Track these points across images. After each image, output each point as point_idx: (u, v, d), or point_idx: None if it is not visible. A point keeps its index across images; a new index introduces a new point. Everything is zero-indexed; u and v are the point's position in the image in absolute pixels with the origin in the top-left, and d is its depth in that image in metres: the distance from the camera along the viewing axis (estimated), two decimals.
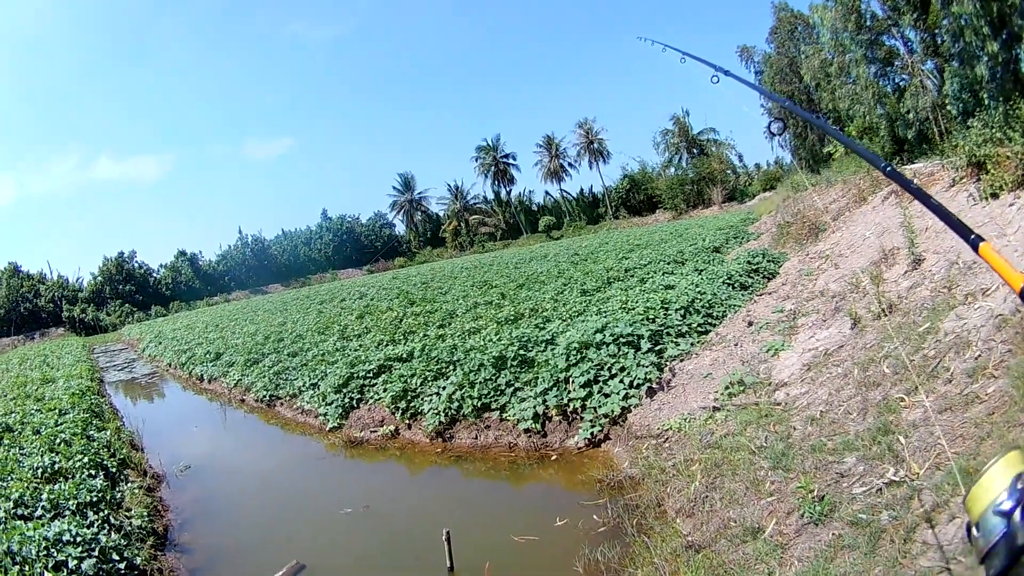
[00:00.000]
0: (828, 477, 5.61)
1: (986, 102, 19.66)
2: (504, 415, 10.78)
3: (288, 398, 15.90)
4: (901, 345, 7.13)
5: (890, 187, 16.02)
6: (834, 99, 31.45)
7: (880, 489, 5.01)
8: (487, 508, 9.05)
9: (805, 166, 45.85)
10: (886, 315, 8.37)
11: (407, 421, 12.03)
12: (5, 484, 8.81)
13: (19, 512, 7.94)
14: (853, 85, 29.01)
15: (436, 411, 11.38)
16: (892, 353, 7.14)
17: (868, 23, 27.42)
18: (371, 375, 13.95)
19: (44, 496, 8.24)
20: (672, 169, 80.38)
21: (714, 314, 13.08)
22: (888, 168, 2.07)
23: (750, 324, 11.60)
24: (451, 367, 12.56)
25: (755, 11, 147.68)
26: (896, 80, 28.59)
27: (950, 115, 23.84)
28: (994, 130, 11.27)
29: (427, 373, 12.54)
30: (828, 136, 41.17)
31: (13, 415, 14.49)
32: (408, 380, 12.57)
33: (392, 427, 12.15)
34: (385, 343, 17.18)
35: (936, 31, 23.29)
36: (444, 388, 11.82)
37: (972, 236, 1.58)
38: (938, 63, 25.31)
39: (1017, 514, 1.15)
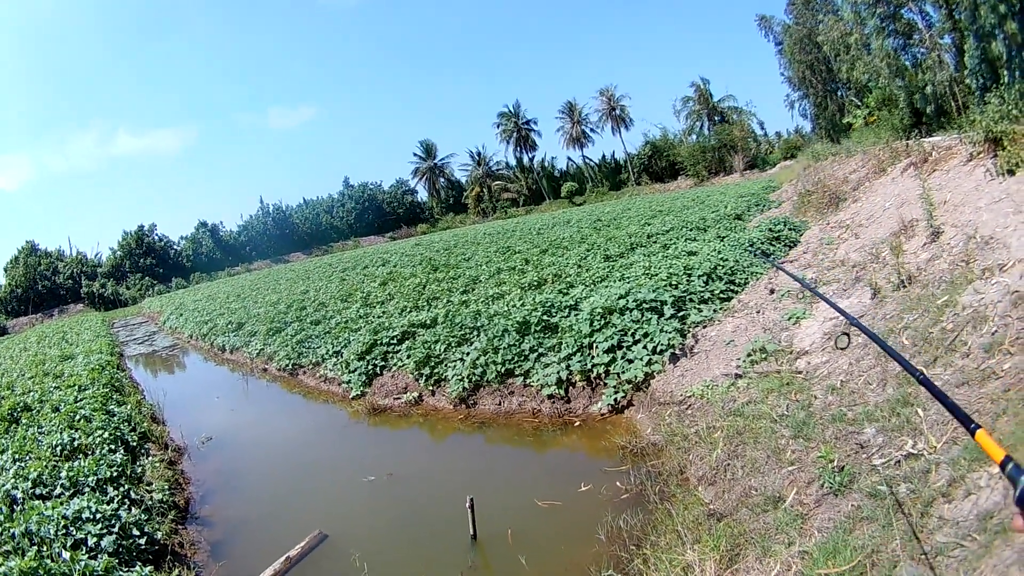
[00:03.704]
0: (848, 447, 5.69)
1: (1005, 78, 19.45)
2: (528, 381, 10.91)
3: (311, 366, 16.10)
4: (919, 317, 7.19)
5: (909, 159, 15.94)
6: (853, 70, 31.16)
7: (899, 461, 5.07)
8: (510, 474, 9.12)
9: (825, 135, 45.59)
10: (905, 286, 8.40)
11: (431, 388, 12.19)
12: (23, 464, 8.85)
13: (38, 492, 7.97)
14: (872, 57, 28.70)
15: (460, 377, 11.53)
16: (911, 325, 7.18)
17: None
18: (394, 342, 14.11)
19: (63, 474, 8.23)
20: (693, 136, 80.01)
21: (736, 281, 13.05)
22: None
23: (772, 292, 11.61)
24: (475, 333, 12.70)
25: None
26: (915, 53, 28.28)
27: (968, 90, 23.61)
28: (1011, 107, 11.23)
29: (451, 339, 12.70)
30: (848, 106, 40.93)
31: (32, 393, 14.61)
32: (432, 346, 12.74)
33: (415, 394, 12.31)
34: (408, 309, 17.35)
35: (954, 6, 22.96)
36: (468, 354, 11.96)
37: (972, 425, 1.87)
38: (956, 38, 25.02)
39: None
